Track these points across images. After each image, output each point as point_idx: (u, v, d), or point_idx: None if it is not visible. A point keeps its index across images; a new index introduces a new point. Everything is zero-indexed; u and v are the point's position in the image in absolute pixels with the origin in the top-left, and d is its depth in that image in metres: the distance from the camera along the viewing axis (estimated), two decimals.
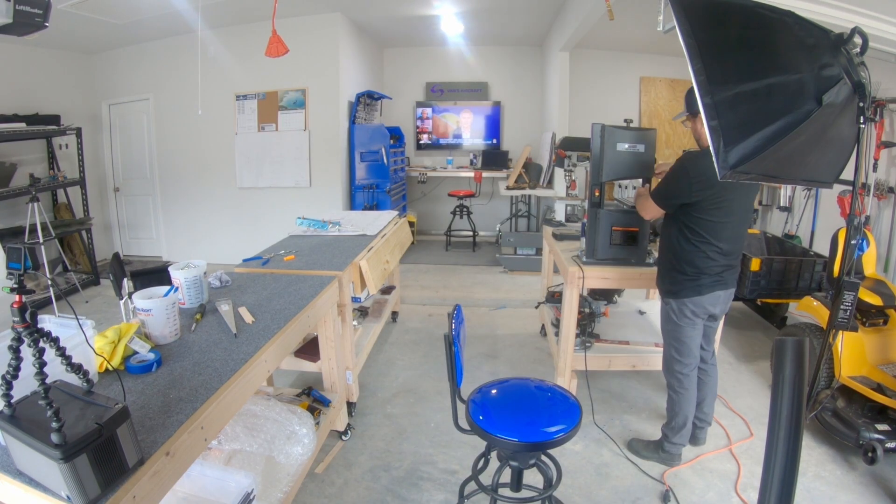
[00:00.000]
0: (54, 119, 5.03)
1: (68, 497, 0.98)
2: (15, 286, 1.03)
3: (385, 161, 5.73)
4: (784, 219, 5.12)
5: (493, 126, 7.18)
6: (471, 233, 6.72)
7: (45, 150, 5.23)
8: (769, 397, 1.11)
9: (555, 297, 3.46)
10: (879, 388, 2.36)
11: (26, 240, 4.24)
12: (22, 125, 4.60)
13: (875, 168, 3.78)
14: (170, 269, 1.95)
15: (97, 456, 0.99)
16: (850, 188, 1.75)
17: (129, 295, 1.75)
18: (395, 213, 4.09)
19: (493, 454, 1.72)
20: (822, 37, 1.35)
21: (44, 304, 4.21)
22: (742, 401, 2.92)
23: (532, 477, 1.83)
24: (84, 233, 5.31)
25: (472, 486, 1.76)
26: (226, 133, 5.76)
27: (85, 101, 5.92)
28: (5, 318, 1.01)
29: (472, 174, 6.77)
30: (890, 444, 2.20)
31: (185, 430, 1.22)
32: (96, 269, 5.35)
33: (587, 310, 3.01)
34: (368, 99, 6.18)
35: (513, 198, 6.56)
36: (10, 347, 1.00)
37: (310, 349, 2.66)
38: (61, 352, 1.08)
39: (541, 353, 3.58)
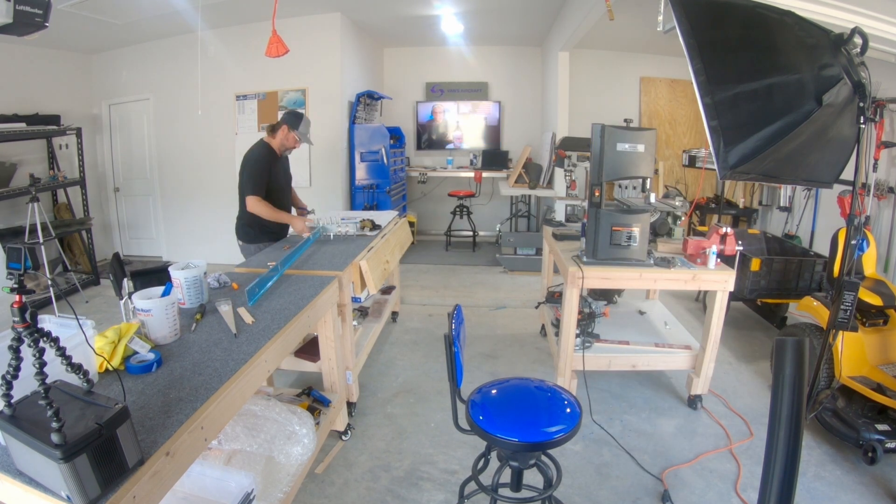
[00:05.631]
0: (54, 119, 5.03)
1: (68, 497, 0.98)
2: (15, 286, 1.03)
3: (385, 161, 5.73)
4: (784, 219, 5.13)
5: (493, 126, 7.18)
6: (471, 233, 6.72)
7: (45, 150, 5.23)
8: (769, 397, 1.11)
9: (555, 297, 3.46)
10: (879, 388, 2.36)
11: (26, 240, 4.24)
12: (22, 125, 4.60)
13: (875, 168, 3.78)
14: (170, 269, 1.95)
15: (97, 456, 0.99)
16: (850, 188, 1.75)
17: (129, 295, 1.75)
18: (395, 213, 4.09)
19: (493, 454, 1.72)
20: (822, 37, 1.35)
21: (44, 304, 4.21)
22: (742, 401, 2.91)
23: (532, 477, 1.82)
24: (84, 233, 5.31)
25: (472, 486, 1.76)
26: (226, 133, 5.75)
27: (85, 101, 5.92)
28: (5, 318, 1.01)
29: (472, 174, 6.77)
30: (890, 444, 2.20)
31: (185, 430, 1.22)
32: (96, 269, 5.35)
33: (587, 310, 3.02)
34: (368, 99, 6.18)
35: (513, 198, 6.57)
36: (10, 347, 1.00)
37: (310, 349, 2.66)
38: (61, 352, 1.08)
39: (541, 353, 3.58)
